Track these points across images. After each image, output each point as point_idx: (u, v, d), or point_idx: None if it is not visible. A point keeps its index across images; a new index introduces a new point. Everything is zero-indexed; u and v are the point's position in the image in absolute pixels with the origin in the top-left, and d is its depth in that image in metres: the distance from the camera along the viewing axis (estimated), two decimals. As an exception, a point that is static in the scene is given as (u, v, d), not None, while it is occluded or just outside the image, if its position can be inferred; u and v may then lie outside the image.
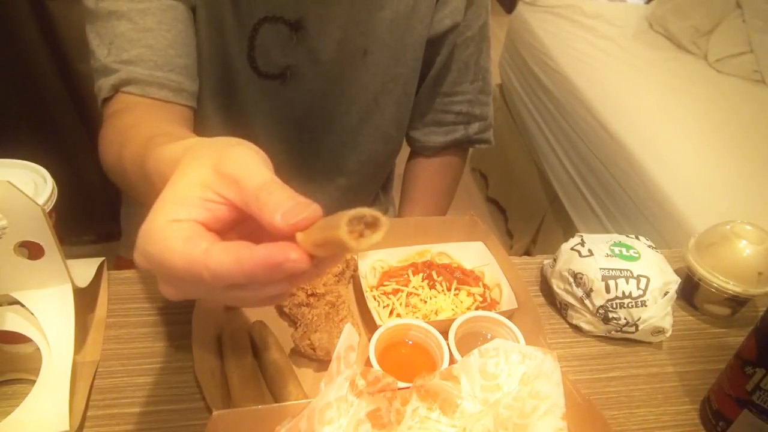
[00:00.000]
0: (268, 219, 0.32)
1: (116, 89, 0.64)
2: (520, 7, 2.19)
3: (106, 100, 0.66)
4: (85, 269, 0.57)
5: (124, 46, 0.63)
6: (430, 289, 0.67)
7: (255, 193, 0.32)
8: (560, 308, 0.70)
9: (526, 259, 0.79)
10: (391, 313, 0.64)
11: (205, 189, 0.33)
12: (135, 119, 0.61)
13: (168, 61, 0.65)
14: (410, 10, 0.75)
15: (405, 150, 0.98)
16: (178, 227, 0.32)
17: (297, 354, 0.59)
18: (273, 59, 0.73)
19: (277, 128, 0.80)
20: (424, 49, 0.81)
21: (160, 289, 0.35)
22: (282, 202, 0.32)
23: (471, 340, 0.61)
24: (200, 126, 0.74)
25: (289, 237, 0.32)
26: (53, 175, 0.54)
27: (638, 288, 0.64)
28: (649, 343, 0.67)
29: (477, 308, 0.65)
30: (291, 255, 0.31)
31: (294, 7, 0.71)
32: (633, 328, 0.64)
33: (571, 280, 0.67)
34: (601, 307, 0.64)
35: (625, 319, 0.64)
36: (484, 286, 0.69)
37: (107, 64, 0.64)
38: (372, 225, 0.31)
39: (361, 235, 0.31)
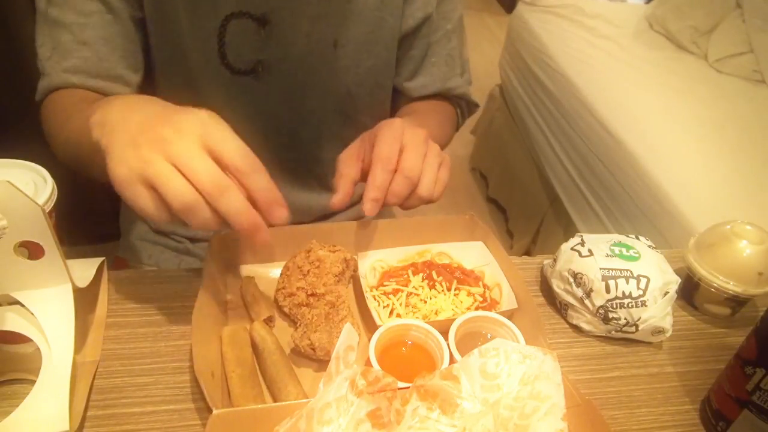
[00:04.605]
0: None
1: (49, 92, 0.71)
2: (520, 7, 2.19)
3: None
4: (85, 269, 0.57)
5: (64, 55, 0.69)
6: (430, 289, 0.67)
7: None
8: (560, 308, 0.70)
9: (526, 259, 0.79)
10: (391, 313, 0.64)
11: None
12: (76, 99, 0.69)
13: (100, 72, 0.71)
14: (379, 2, 0.77)
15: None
16: None
17: (297, 354, 0.59)
18: (243, 55, 0.75)
19: (252, 121, 0.80)
20: (399, 44, 0.82)
21: (114, 168, 0.48)
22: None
23: (471, 340, 0.61)
24: None
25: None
26: (53, 175, 0.54)
27: (638, 288, 0.64)
28: (649, 343, 0.67)
29: (477, 308, 0.65)
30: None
31: (259, 2, 0.72)
32: (633, 328, 0.64)
33: (571, 280, 0.67)
34: (601, 307, 0.64)
35: (625, 319, 0.64)
36: (484, 286, 0.69)
37: (45, 67, 0.70)
38: None
39: None
